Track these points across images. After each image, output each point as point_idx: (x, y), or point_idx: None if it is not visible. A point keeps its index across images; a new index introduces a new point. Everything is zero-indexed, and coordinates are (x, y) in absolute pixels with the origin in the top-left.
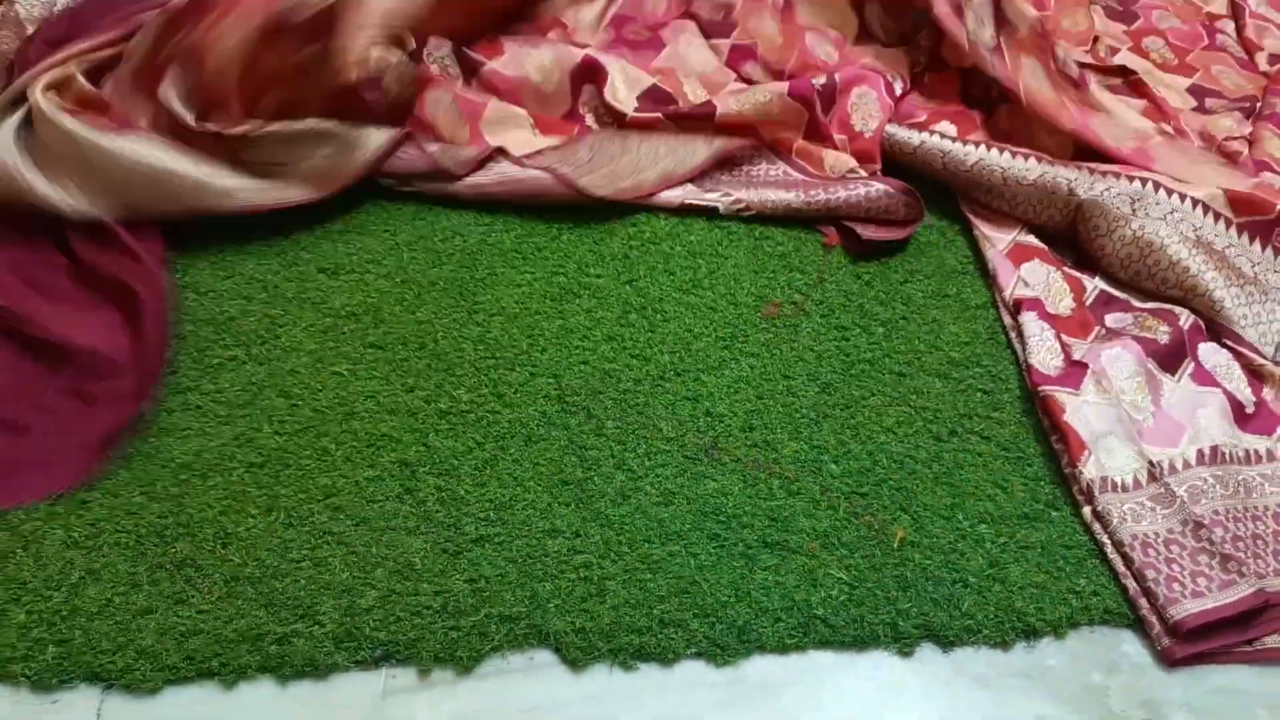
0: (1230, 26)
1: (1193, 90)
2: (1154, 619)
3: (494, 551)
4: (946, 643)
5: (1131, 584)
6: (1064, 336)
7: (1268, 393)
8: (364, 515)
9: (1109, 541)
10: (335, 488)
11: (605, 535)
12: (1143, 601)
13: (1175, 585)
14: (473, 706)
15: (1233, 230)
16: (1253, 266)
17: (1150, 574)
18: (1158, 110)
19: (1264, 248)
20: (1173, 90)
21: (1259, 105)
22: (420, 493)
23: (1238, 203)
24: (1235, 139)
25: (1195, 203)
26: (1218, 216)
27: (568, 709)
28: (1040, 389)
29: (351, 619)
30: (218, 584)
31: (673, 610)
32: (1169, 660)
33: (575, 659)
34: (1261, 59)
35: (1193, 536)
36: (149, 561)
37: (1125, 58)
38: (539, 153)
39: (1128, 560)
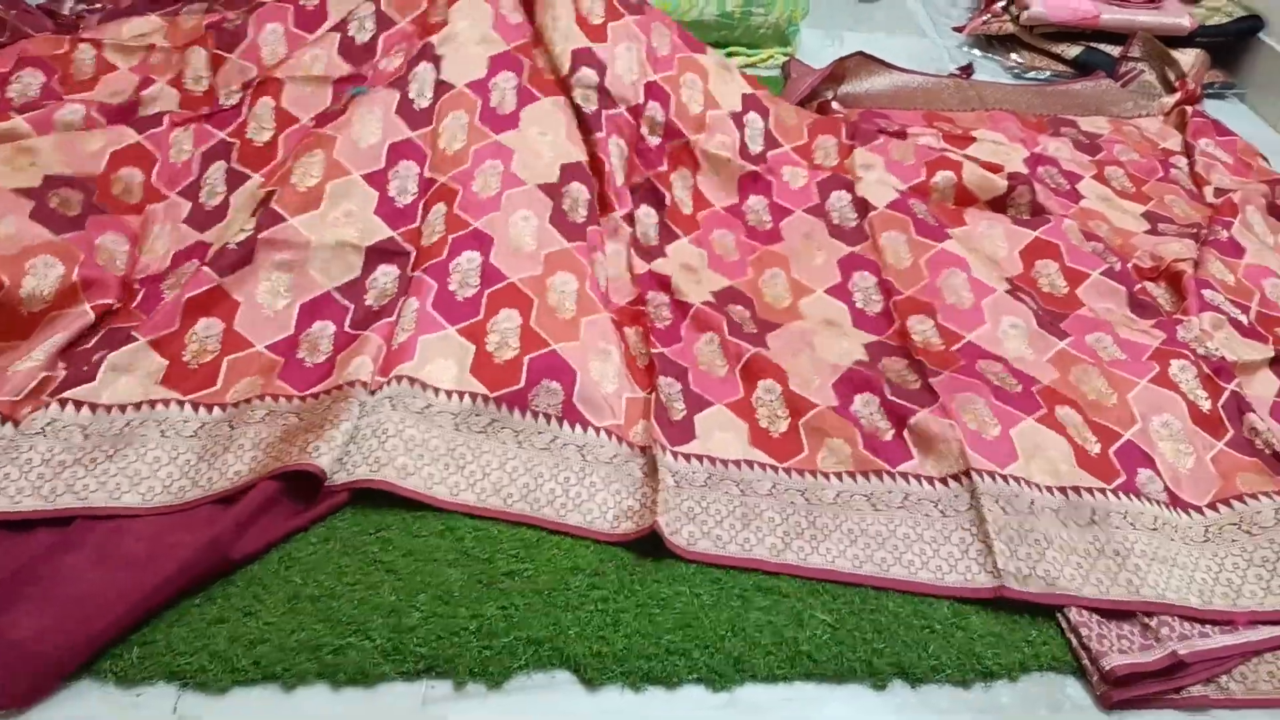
0: (1183, 162)
1: (1147, 215)
2: (1092, 668)
3: (523, 584)
4: (915, 679)
5: (1073, 638)
6: None
7: None
8: (410, 548)
9: None
10: (385, 523)
11: (620, 575)
12: (1082, 653)
13: (1105, 641)
14: (501, 715)
15: None
16: None
17: (1084, 631)
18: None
19: None
20: (1129, 215)
21: (1204, 232)
22: (459, 531)
23: None
24: (1183, 261)
25: None
26: None
27: None
28: None
29: (398, 636)
30: (281, 600)
31: (678, 641)
32: (1106, 704)
33: (592, 679)
34: (1209, 192)
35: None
36: (222, 576)
37: (1088, 185)
38: None
39: (1066, 619)
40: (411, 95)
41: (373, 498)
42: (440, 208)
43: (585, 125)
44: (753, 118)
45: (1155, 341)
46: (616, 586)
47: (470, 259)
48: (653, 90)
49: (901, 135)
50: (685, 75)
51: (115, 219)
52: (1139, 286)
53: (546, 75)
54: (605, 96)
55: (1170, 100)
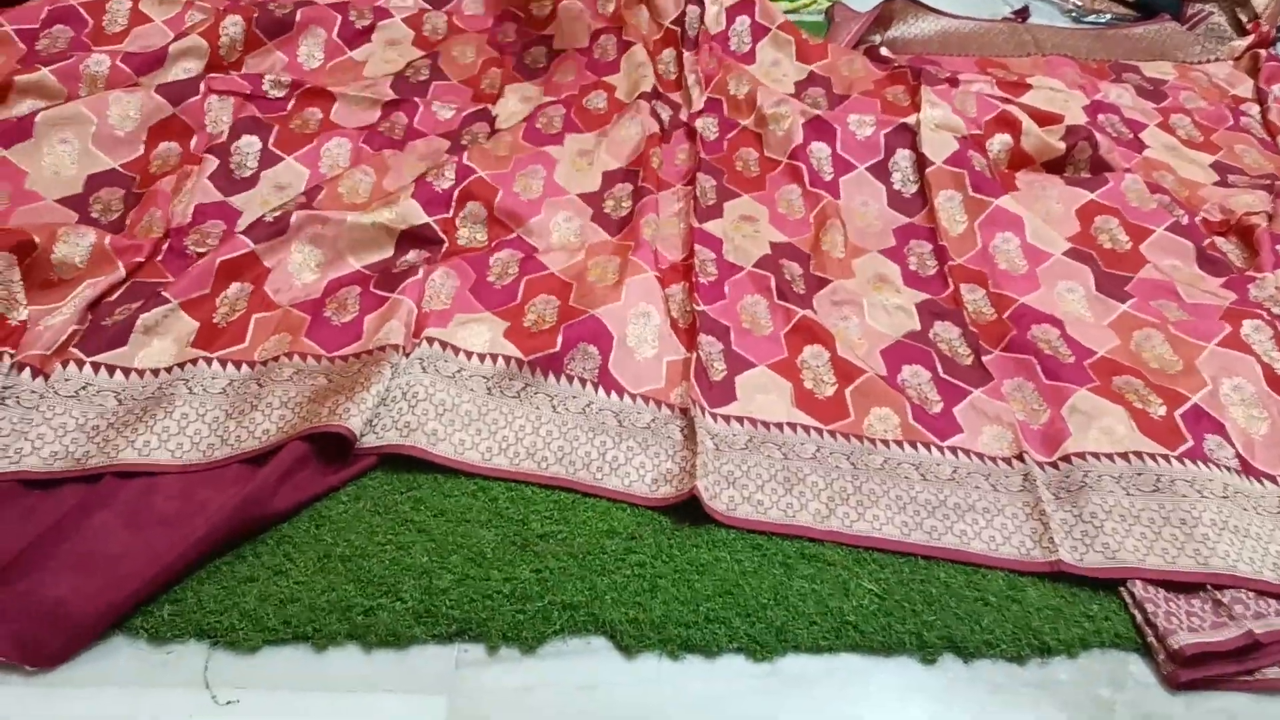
0: (1255, 109)
1: (1216, 165)
2: (1158, 646)
3: (558, 546)
4: (967, 654)
5: (1138, 614)
6: None
7: None
8: (442, 507)
9: None
10: (417, 482)
11: (658, 539)
12: (1148, 630)
13: (1173, 619)
14: (535, 680)
15: None
16: None
17: (1150, 607)
18: None
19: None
20: (1196, 165)
21: (1278, 183)
22: (492, 491)
23: None
24: (1255, 214)
25: None
26: None
27: (620, 688)
28: None
29: (430, 598)
30: (311, 560)
31: (717, 609)
32: (1173, 684)
33: (628, 646)
34: None
35: None
36: (252, 536)
37: (1153, 134)
38: None
39: (1131, 594)
40: (464, 142)
41: (404, 456)
42: (477, 209)
43: (659, 137)
44: (812, 91)
45: (1225, 302)
46: (654, 551)
47: (511, 254)
48: (707, 105)
49: (954, 83)
50: (731, 79)
51: (153, 194)
52: (1208, 241)
53: (593, 113)
54: (676, 121)
55: (1242, 44)
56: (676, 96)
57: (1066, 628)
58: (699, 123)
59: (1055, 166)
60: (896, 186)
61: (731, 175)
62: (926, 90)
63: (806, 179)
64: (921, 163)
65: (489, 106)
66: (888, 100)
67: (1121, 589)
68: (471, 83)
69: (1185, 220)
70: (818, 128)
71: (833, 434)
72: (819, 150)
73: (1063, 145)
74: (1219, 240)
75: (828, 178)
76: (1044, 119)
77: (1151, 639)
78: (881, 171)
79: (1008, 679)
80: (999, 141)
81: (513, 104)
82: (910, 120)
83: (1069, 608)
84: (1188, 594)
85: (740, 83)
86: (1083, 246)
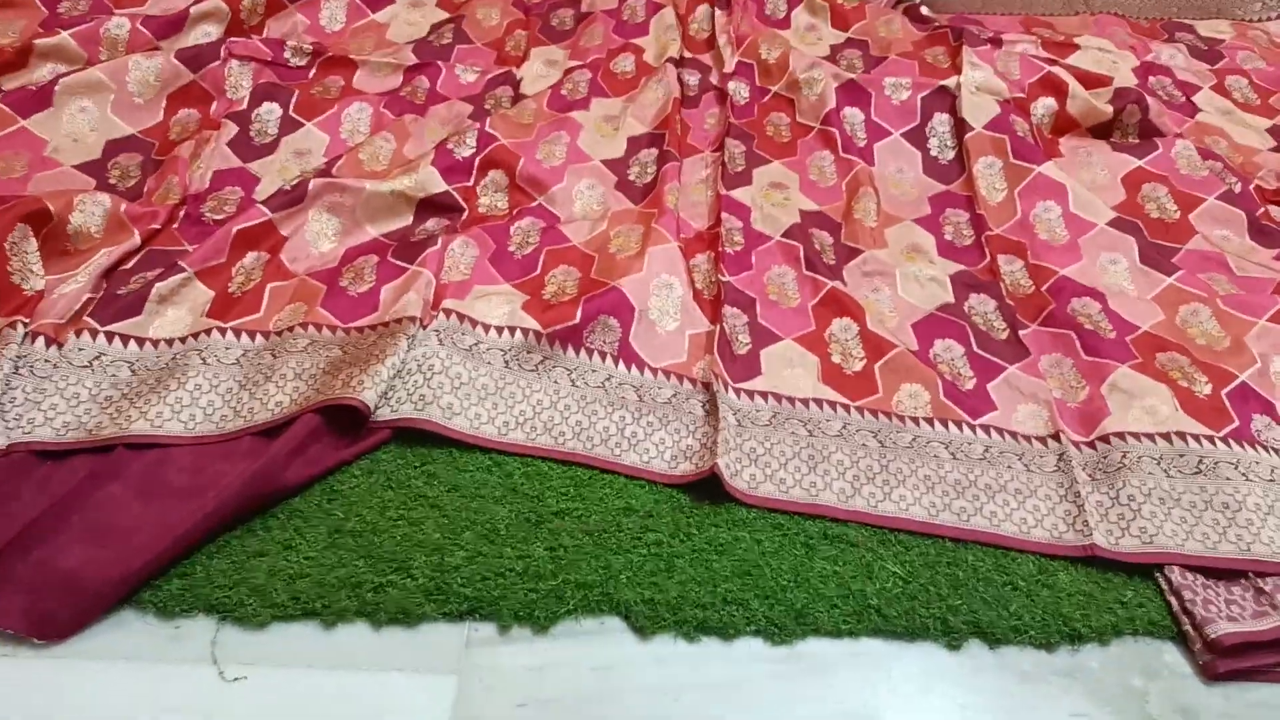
0: None
1: (1273, 130)
2: (1195, 635)
3: (572, 524)
4: (994, 640)
5: (1174, 601)
6: None
7: None
8: (455, 482)
9: None
10: (430, 456)
11: (676, 517)
12: (1184, 618)
13: (1211, 607)
14: (547, 661)
15: None
16: None
17: (1187, 594)
18: None
19: None
20: (1252, 130)
21: None
22: (507, 466)
23: None
24: None
25: None
26: None
27: (635, 670)
28: None
29: (441, 575)
30: (322, 535)
31: (735, 590)
32: (1210, 674)
33: (643, 627)
34: None
35: None
36: (263, 510)
37: (1206, 97)
38: None
39: (1168, 580)
40: (487, 106)
41: (418, 431)
42: (499, 177)
43: (686, 102)
44: (847, 54)
45: (1278, 275)
46: (671, 530)
47: (533, 223)
48: (738, 68)
49: (996, 43)
50: (762, 45)
51: (172, 162)
52: (1261, 211)
53: (620, 78)
54: (707, 84)
55: None
56: (707, 58)
57: (1098, 614)
58: (730, 85)
59: (1102, 131)
60: (933, 153)
61: (761, 140)
62: (968, 51)
63: (840, 145)
64: (960, 128)
65: (513, 70)
66: (927, 62)
67: (1158, 575)
68: (496, 45)
69: (1238, 188)
70: (852, 92)
71: (860, 411)
72: (853, 116)
73: (1110, 109)
74: (1273, 209)
75: (861, 144)
76: (1091, 81)
77: (1188, 627)
78: (918, 137)
79: (1036, 667)
80: (1043, 105)
81: (538, 67)
82: (949, 83)
83: (1102, 593)
84: (1228, 581)
85: (772, 47)
86: (1128, 216)
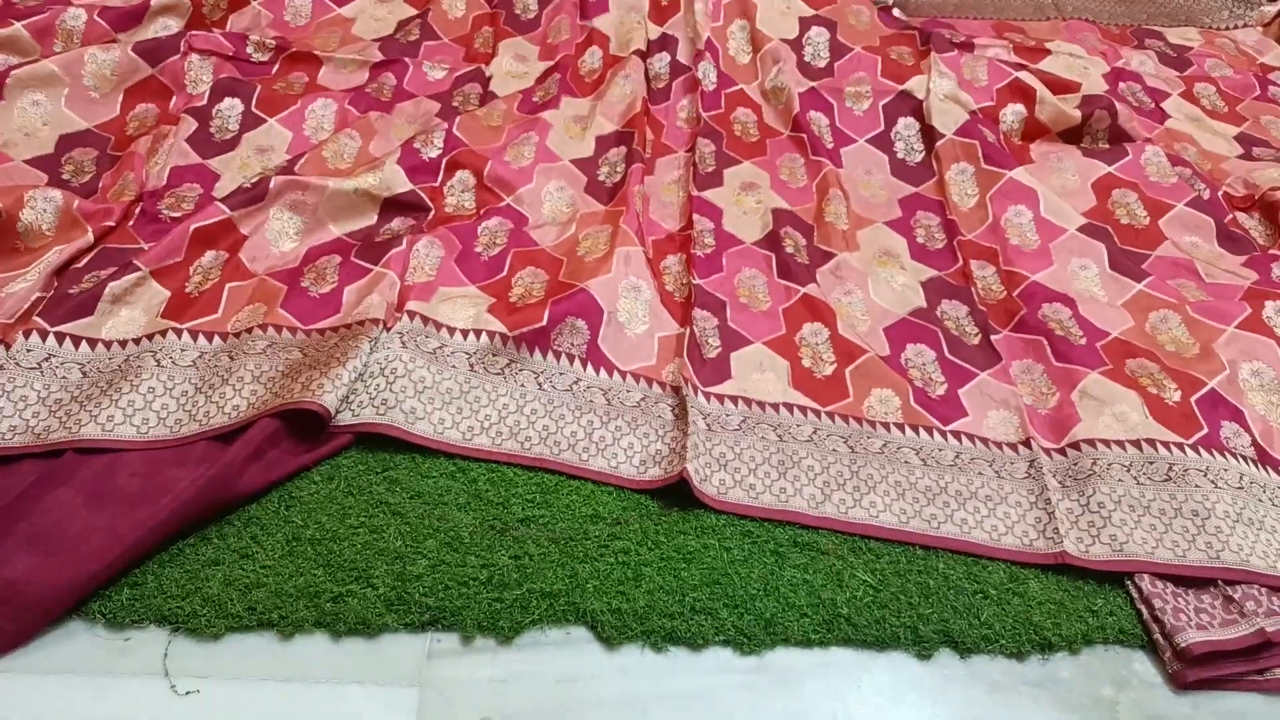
0: None
1: (1241, 138)
2: (1165, 644)
3: (538, 531)
4: (964, 649)
5: (1144, 609)
6: None
7: None
8: (418, 489)
9: None
10: (393, 462)
11: (644, 525)
12: (1154, 626)
13: (1181, 616)
14: (512, 672)
15: None
16: None
17: (1157, 603)
18: None
19: None
20: (1220, 137)
21: None
22: (472, 472)
23: None
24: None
25: None
26: None
27: (601, 682)
28: None
29: (402, 584)
30: (279, 543)
31: (704, 599)
32: (1180, 683)
33: (610, 637)
34: None
35: None
36: (218, 516)
37: (1175, 103)
38: None
39: (1138, 588)
40: (455, 104)
41: (380, 436)
42: (466, 177)
43: (655, 96)
44: (815, 32)
45: (1246, 281)
46: (639, 537)
47: (500, 223)
48: (707, 45)
49: (968, 47)
50: (732, 25)
51: (129, 158)
52: (1230, 217)
53: (587, 78)
54: (677, 66)
55: (1272, 9)
56: (677, 24)
57: (1069, 623)
58: (700, 66)
59: (1072, 136)
60: (900, 155)
61: (730, 140)
62: (935, 59)
63: (809, 148)
64: (930, 135)
65: (482, 67)
66: (890, 59)
67: (1128, 583)
68: (464, 41)
69: (1207, 195)
70: (814, 99)
71: (831, 416)
72: (818, 119)
73: (1078, 114)
74: (1241, 216)
75: (829, 145)
76: (1059, 86)
77: (1158, 636)
78: (883, 142)
79: (1006, 676)
80: (1012, 112)
81: (507, 63)
82: (910, 86)
83: (1072, 602)
84: (1197, 589)
85: (741, 41)
86: (1099, 221)
